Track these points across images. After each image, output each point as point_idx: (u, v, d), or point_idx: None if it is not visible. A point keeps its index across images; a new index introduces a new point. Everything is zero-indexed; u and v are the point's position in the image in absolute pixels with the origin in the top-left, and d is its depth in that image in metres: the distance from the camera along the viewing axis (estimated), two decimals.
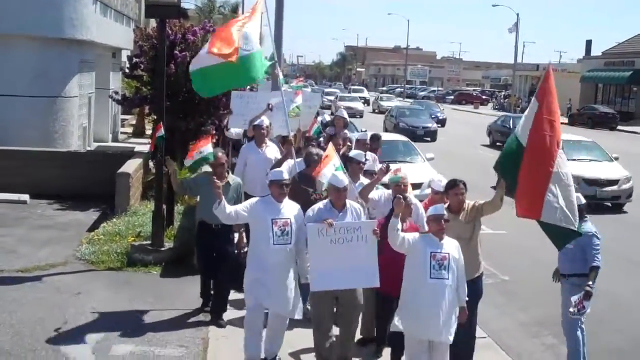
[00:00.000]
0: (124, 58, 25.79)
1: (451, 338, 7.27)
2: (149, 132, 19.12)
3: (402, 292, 7.47)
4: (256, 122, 11.61)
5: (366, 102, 70.75)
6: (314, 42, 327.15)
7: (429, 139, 36.18)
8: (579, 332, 8.37)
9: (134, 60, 17.17)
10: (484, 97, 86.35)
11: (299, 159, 10.34)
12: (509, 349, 9.57)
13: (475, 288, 8.07)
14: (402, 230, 7.47)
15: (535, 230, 8.09)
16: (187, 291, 10.26)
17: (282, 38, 19.19)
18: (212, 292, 9.72)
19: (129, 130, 28.82)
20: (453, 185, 8.30)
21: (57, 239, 12.97)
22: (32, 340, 8.48)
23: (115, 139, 25.55)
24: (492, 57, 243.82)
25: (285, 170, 8.46)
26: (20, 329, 8.78)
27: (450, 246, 7.35)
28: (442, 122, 46.96)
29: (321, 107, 52.48)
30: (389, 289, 7.93)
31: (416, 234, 7.48)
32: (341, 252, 7.63)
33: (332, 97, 61.02)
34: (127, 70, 17.89)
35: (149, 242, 11.93)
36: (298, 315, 8.11)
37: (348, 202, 8.02)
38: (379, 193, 9.38)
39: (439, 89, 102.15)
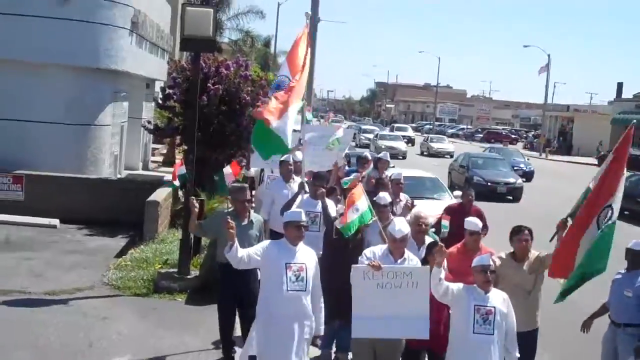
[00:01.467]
0: (157, 89, 26.18)
1: None
2: (178, 161, 19.35)
3: (448, 346, 7.04)
4: (282, 158, 11.34)
5: (410, 142, 63.42)
6: (345, 77, 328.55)
7: (511, 197, 28.73)
8: None
9: (167, 91, 17.49)
10: (513, 136, 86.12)
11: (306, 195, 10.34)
12: None
13: (531, 341, 7.78)
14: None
15: None
16: (212, 320, 10.28)
17: (313, 73, 19.44)
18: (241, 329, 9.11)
19: (160, 159, 29.11)
20: (518, 231, 7.98)
21: (85, 264, 13.14)
22: None
23: (145, 168, 25.83)
24: (522, 96, 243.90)
25: (302, 210, 7.77)
26: (46, 351, 8.91)
27: (497, 299, 6.90)
28: (528, 176, 36.22)
29: (358, 145, 52.15)
30: (417, 342, 7.48)
31: (460, 285, 6.98)
32: (389, 298, 7.08)
33: (370, 135, 56.13)
34: (159, 101, 18.24)
35: (175, 269, 12.05)
36: None
37: (407, 252, 7.52)
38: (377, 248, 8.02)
39: (468, 127, 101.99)
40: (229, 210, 9.06)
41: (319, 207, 9.92)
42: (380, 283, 7.09)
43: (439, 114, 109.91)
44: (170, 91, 17.29)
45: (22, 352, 8.79)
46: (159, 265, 12.59)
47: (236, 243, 7.10)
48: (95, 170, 18.93)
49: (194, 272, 12.01)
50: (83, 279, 12.13)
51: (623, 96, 72.68)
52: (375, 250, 7.54)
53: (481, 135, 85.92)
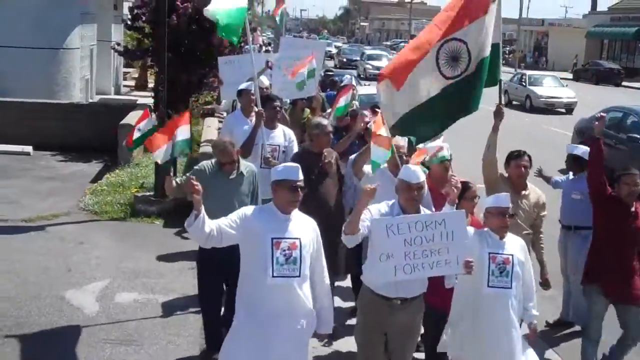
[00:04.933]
0: (126, 10, 25.64)
1: None
2: (151, 84, 19.05)
3: (453, 304, 5.97)
4: (242, 87, 9.38)
5: None
6: None
7: None
8: None
9: (135, 11, 17.06)
10: None
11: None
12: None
13: None
14: None
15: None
16: (190, 242, 10.33)
17: None
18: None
19: (132, 83, 28.71)
20: (517, 156, 7.15)
21: (60, 190, 13.04)
22: (37, 288, 8.58)
23: (117, 92, 25.51)
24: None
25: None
26: (25, 276, 8.89)
27: (514, 246, 5.91)
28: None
29: (337, 66, 48.78)
30: (442, 303, 6.13)
31: (471, 229, 5.87)
32: (419, 256, 5.49)
33: (377, 62, 43.98)
34: (128, 22, 17.79)
35: (152, 193, 12.01)
36: None
37: (423, 209, 5.85)
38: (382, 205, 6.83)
39: None
40: (212, 163, 7.16)
41: (277, 139, 8.70)
42: (408, 238, 5.43)
43: (413, 31, 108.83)
44: (139, 11, 16.88)
45: (1, 278, 8.77)
46: (135, 189, 12.53)
47: (202, 213, 5.14)
48: (66, 95, 18.67)
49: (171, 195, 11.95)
50: (59, 205, 12.05)
51: (598, 9, 72.42)
52: (378, 207, 5.76)
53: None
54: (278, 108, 8.96)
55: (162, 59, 12.19)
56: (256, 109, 8.66)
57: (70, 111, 16.93)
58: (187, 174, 6.99)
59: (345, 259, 7.72)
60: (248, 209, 5.48)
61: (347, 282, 8.74)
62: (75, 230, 10.86)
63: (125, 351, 7.20)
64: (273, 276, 5.23)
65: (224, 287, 7.10)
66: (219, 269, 6.74)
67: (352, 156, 7.96)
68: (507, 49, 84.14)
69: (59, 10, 18.30)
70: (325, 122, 8.03)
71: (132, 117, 15.14)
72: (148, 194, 12.07)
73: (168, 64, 12.28)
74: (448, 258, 5.47)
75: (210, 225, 5.22)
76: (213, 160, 7.16)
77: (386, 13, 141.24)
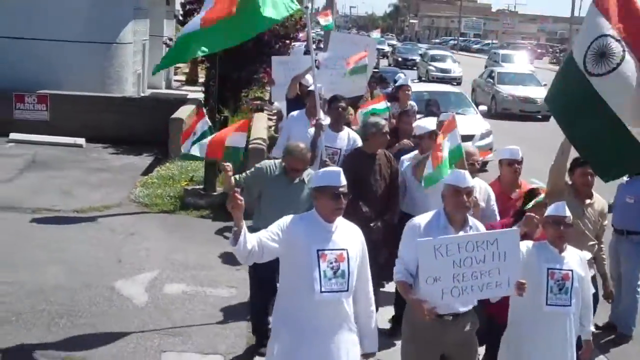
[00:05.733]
0: (178, 6, 25.88)
1: None
2: (201, 79, 19.21)
3: (509, 322, 5.64)
4: (311, 88, 8.81)
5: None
6: None
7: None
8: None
9: (187, 7, 17.23)
10: (539, 51, 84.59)
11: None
12: None
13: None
14: None
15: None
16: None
17: None
18: None
19: (182, 78, 29.00)
20: (583, 163, 6.72)
21: (111, 182, 13.24)
22: (87, 277, 8.73)
23: (168, 87, 25.78)
24: (549, 10, 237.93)
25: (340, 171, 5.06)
26: (76, 266, 9.04)
27: (574, 259, 5.51)
28: None
29: (391, 64, 46.17)
30: (502, 313, 5.78)
31: (529, 243, 5.52)
32: (469, 278, 5.07)
33: (442, 64, 41.24)
34: (180, 18, 17.97)
35: (201, 186, 12.12)
36: None
37: (471, 219, 5.44)
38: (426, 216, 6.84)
39: (494, 42, 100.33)
40: (275, 164, 6.87)
41: (340, 142, 8.34)
42: (458, 259, 5.01)
43: (463, 29, 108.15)
44: (190, 7, 17.06)
45: (54, 267, 8.94)
46: (185, 182, 12.65)
47: (243, 230, 4.66)
48: (118, 89, 18.90)
49: (220, 189, 12.05)
50: (110, 197, 12.23)
51: None
52: (421, 222, 5.36)
53: (493, 49, 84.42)
54: (344, 109, 8.56)
55: (213, 55, 12.27)
56: (319, 117, 8.15)
57: (123, 105, 17.17)
58: (247, 172, 6.85)
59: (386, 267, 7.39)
60: (288, 219, 4.96)
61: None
62: (126, 222, 11.02)
63: (174, 342, 7.29)
64: (321, 291, 4.77)
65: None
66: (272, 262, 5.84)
67: (405, 156, 7.87)
68: (559, 47, 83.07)
69: (113, 5, 18.53)
70: (383, 121, 7.69)
71: (182, 112, 15.29)
72: (197, 187, 12.18)
73: (219, 60, 12.37)
74: (499, 280, 5.10)
75: (252, 241, 4.72)
76: (276, 162, 6.86)
77: (436, 10, 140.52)
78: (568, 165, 6.79)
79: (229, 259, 9.54)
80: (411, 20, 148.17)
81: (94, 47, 18.20)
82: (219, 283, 8.83)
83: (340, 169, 5.06)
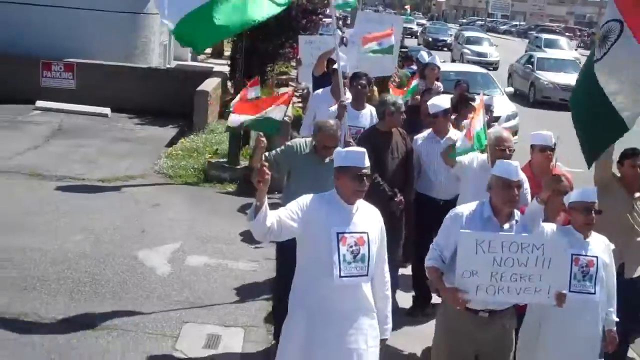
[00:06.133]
0: None
1: None
2: (227, 52, 19.16)
3: (529, 308, 5.45)
4: (336, 66, 8.32)
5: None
6: None
7: None
8: None
9: None
10: (567, 34, 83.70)
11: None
12: None
13: (636, 291, 6.29)
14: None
15: None
16: None
17: None
18: None
19: (209, 50, 28.92)
20: (632, 154, 6.38)
21: (136, 152, 13.30)
22: (111, 246, 8.80)
23: (194, 59, 25.73)
24: None
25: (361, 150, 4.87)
26: (100, 235, 9.10)
27: (599, 246, 5.33)
28: None
29: (421, 44, 44.65)
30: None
31: (553, 226, 5.32)
32: (507, 279, 4.86)
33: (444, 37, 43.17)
34: None
35: (225, 159, 12.13)
36: None
37: (517, 212, 5.15)
38: (471, 156, 6.95)
39: (521, 23, 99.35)
40: (306, 142, 6.61)
41: (363, 120, 8.27)
42: (499, 258, 4.81)
43: (491, 9, 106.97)
44: None
45: (78, 236, 9.01)
46: (209, 155, 12.68)
47: (265, 205, 4.51)
48: (144, 59, 18.93)
49: (244, 162, 12.06)
50: (135, 167, 12.30)
51: None
52: (464, 211, 5.13)
53: (534, 33, 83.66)
54: (364, 86, 8.41)
55: None
56: (343, 97, 7.82)
57: (148, 76, 17.23)
58: (278, 150, 6.62)
59: (403, 247, 7.50)
60: (308, 198, 4.79)
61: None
62: (150, 192, 11.07)
63: (196, 313, 7.33)
64: (341, 276, 4.61)
65: None
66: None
67: (418, 135, 7.82)
68: (587, 31, 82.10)
69: None
70: (400, 101, 7.61)
71: (208, 84, 15.30)
72: (221, 160, 12.20)
73: (245, 33, 12.31)
74: (539, 286, 4.87)
75: (271, 218, 4.56)
76: (307, 140, 6.62)
77: None
78: (616, 157, 6.55)
79: (251, 233, 9.57)
80: (438, 0, 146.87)
81: (121, 17, 18.21)
82: (240, 257, 8.86)
83: (364, 150, 4.83)
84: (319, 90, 9.39)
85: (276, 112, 6.79)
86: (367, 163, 4.76)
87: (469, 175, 6.90)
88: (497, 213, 5.02)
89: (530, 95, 26.04)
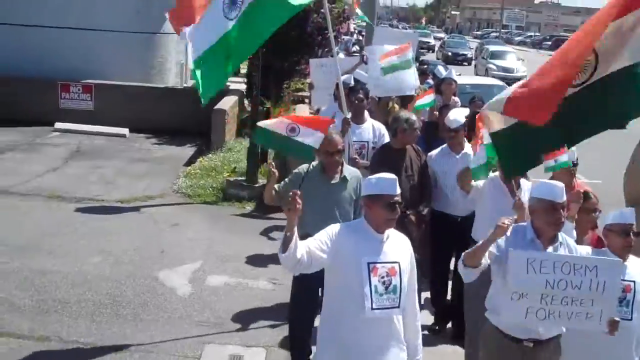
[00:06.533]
0: None
1: None
2: (243, 70, 19.18)
3: (563, 337, 5.06)
4: (350, 83, 8.52)
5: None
6: None
7: None
8: None
9: None
10: None
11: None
12: None
13: None
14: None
15: None
16: (280, 228, 10.40)
17: None
18: None
19: None
20: None
21: (154, 172, 13.32)
22: (131, 267, 8.79)
23: None
24: (593, 2, 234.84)
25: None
26: (120, 256, 9.10)
27: (636, 270, 5.06)
28: None
29: (440, 58, 42.53)
30: None
31: (588, 249, 5.15)
32: (558, 303, 4.63)
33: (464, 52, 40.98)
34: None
35: (243, 178, 12.13)
36: None
37: (561, 235, 4.93)
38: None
39: (536, 34, 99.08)
40: (313, 165, 6.41)
41: (366, 134, 7.98)
42: (551, 280, 4.58)
43: (505, 21, 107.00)
44: None
45: (97, 257, 9.01)
46: (228, 174, 12.68)
47: (295, 236, 4.34)
48: (162, 79, 19.03)
49: (262, 181, 12.04)
50: (153, 187, 12.32)
51: None
52: (507, 235, 4.76)
53: (549, 43, 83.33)
54: (361, 100, 8.16)
55: None
56: (345, 113, 7.65)
57: (166, 95, 17.29)
58: (286, 180, 6.42)
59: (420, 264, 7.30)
60: (336, 227, 4.63)
61: None
62: (169, 212, 11.07)
63: (217, 334, 7.29)
64: (372, 308, 4.43)
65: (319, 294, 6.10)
66: (315, 277, 4.97)
67: (432, 152, 7.68)
68: None
69: None
70: (413, 117, 7.45)
71: (225, 103, 15.32)
72: (240, 178, 12.19)
73: (261, 51, 12.33)
74: (590, 312, 4.64)
75: (301, 249, 4.39)
76: (314, 163, 6.42)
77: (478, 2, 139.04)
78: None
79: (270, 251, 9.54)
80: (453, 12, 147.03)
81: (138, 37, 18.32)
82: (260, 275, 8.83)
83: (395, 177, 4.63)
84: (324, 107, 9.34)
85: (312, 139, 6.31)
86: (398, 190, 4.58)
87: (485, 196, 6.66)
88: (540, 235, 4.83)
89: None
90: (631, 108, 5.37)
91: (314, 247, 4.47)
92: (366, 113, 8.30)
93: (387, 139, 7.95)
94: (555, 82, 5.06)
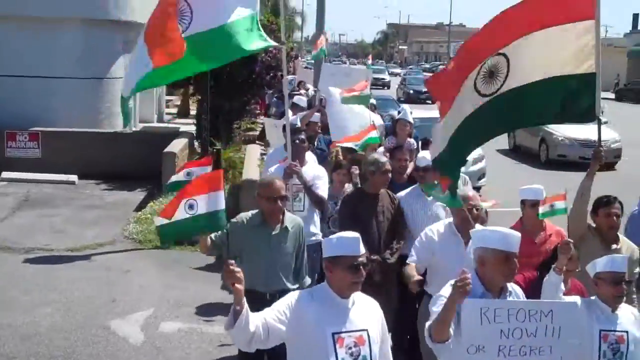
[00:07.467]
0: None
1: None
2: (193, 112, 19.20)
3: None
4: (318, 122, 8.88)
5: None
6: (356, 20, 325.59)
7: None
8: None
9: None
10: None
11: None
12: None
13: None
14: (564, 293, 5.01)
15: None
16: None
17: (324, 14, 19.02)
18: None
19: (174, 110, 28.99)
20: (607, 203, 6.13)
21: (105, 219, 13.16)
22: (82, 317, 8.65)
23: (160, 120, 25.73)
24: None
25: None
26: (71, 306, 8.96)
27: (628, 319, 4.81)
28: None
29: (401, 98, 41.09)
30: None
31: (577, 299, 4.83)
32: (516, 354, 4.31)
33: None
34: None
35: None
36: None
37: (509, 285, 4.64)
38: (436, 225, 6.41)
39: None
40: (252, 214, 6.09)
41: (305, 176, 7.52)
42: (506, 329, 4.27)
43: (452, 54, 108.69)
44: None
45: (47, 308, 8.86)
46: None
47: (245, 309, 3.97)
48: (110, 124, 18.88)
49: None
50: (104, 234, 12.16)
51: (639, 28, 71.56)
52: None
53: None
54: (302, 141, 7.98)
55: (204, 87, 12.27)
56: (291, 162, 7.29)
57: (114, 140, 17.16)
58: (225, 229, 5.84)
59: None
60: (295, 296, 4.25)
61: None
62: (120, 259, 10.94)
63: None
64: None
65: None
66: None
67: (401, 193, 7.40)
68: None
69: (103, 40, 18.58)
70: (383, 159, 7.24)
71: (175, 145, 15.26)
72: None
73: (210, 91, 12.37)
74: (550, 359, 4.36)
75: (255, 321, 3.99)
76: (253, 212, 6.07)
77: (425, 36, 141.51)
78: (589, 208, 6.23)
79: (224, 295, 9.48)
80: (400, 47, 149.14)
81: (84, 83, 18.21)
82: (214, 321, 8.74)
83: (358, 235, 4.24)
84: (272, 150, 9.24)
85: (213, 203, 5.67)
86: (363, 250, 4.20)
87: (437, 242, 6.17)
88: (490, 288, 4.47)
89: (542, 155, 21.97)
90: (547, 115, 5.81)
91: (271, 319, 4.09)
92: (308, 155, 8.14)
93: (324, 181, 7.74)
94: (460, 71, 5.63)
